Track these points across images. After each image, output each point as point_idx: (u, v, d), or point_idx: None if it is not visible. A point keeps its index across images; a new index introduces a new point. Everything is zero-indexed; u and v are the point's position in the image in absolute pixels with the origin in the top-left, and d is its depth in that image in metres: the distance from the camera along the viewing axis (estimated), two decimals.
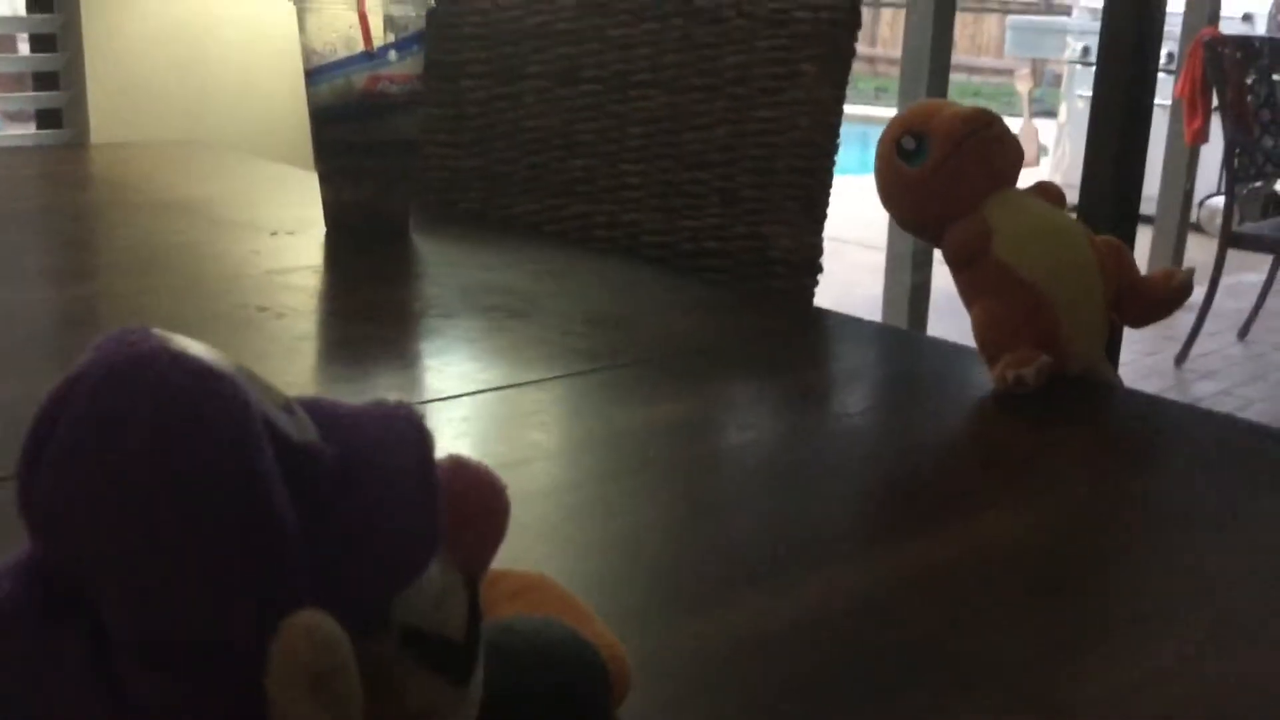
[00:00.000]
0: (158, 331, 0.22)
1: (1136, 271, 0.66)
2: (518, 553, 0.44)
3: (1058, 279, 0.64)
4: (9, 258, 0.89)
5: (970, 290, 0.66)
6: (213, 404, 0.20)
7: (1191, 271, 0.66)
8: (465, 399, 0.60)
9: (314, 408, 0.23)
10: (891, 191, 0.67)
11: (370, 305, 0.79)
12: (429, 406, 0.59)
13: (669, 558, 0.45)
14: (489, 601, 0.35)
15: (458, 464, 0.25)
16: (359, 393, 0.62)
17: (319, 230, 0.97)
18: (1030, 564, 0.45)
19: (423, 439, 0.24)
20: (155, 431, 0.20)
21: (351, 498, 0.22)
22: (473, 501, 0.25)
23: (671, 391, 0.63)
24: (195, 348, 0.21)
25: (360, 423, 0.24)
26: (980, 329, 0.65)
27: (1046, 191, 0.67)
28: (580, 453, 0.55)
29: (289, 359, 0.67)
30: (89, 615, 0.20)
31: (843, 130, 0.99)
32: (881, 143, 0.67)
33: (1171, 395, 0.65)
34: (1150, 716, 0.35)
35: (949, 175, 0.64)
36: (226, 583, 0.20)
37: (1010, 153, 0.66)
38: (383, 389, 0.62)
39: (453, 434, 0.56)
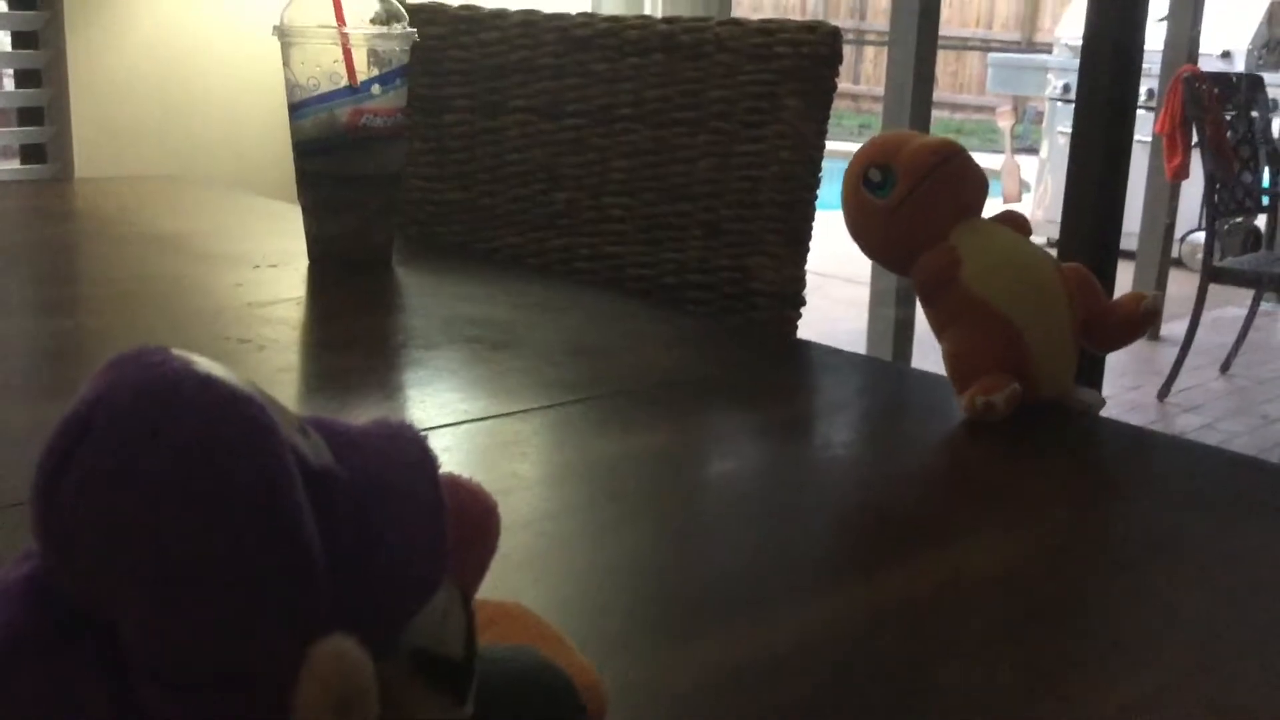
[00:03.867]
0: (178, 352, 0.21)
1: (1104, 297, 0.67)
2: (497, 582, 0.44)
3: (1026, 308, 0.64)
4: None
5: (939, 320, 0.66)
6: (243, 429, 0.20)
7: (1160, 296, 0.66)
8: (447, 429, 0.60)
9: (323, 428, 0.23)
10: (859, 223, 0.67)
11: (352, 336, 0.78)
12: None
13: (649, 587, 0.45)
14: None
15: (454, 482, 0.25)
16: None
17: (302, 263, 0.97)
18: (1011, 593, 0.45)
19: (428, 458, 0.24)
20: (185, 455, 0.19)
21: (366, 521, 0.22)
22: (469, 519, 0.25)
23: (652, 422, 0.63)
24: (218, 370, 0.21)
25: (367, 443, 0.24)
26: (950, 358, 0.65)
27: (1012, 221, 0.68)
28: (561, 483, 0.55)
29: (271, 391, 0.66)
30: (102, 640, 0.20)
31: (826, 166, 1.00)
32: (848, 175, 0.68)
33: (1156, 429, 0.66)
34: None
35: (916, 206, 0.65)
36: (257, 610, 0.20)
37: (976, 182, 0.67)
38: (364, 420, 0.62)
39: None
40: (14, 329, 0.78)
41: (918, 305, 0.68)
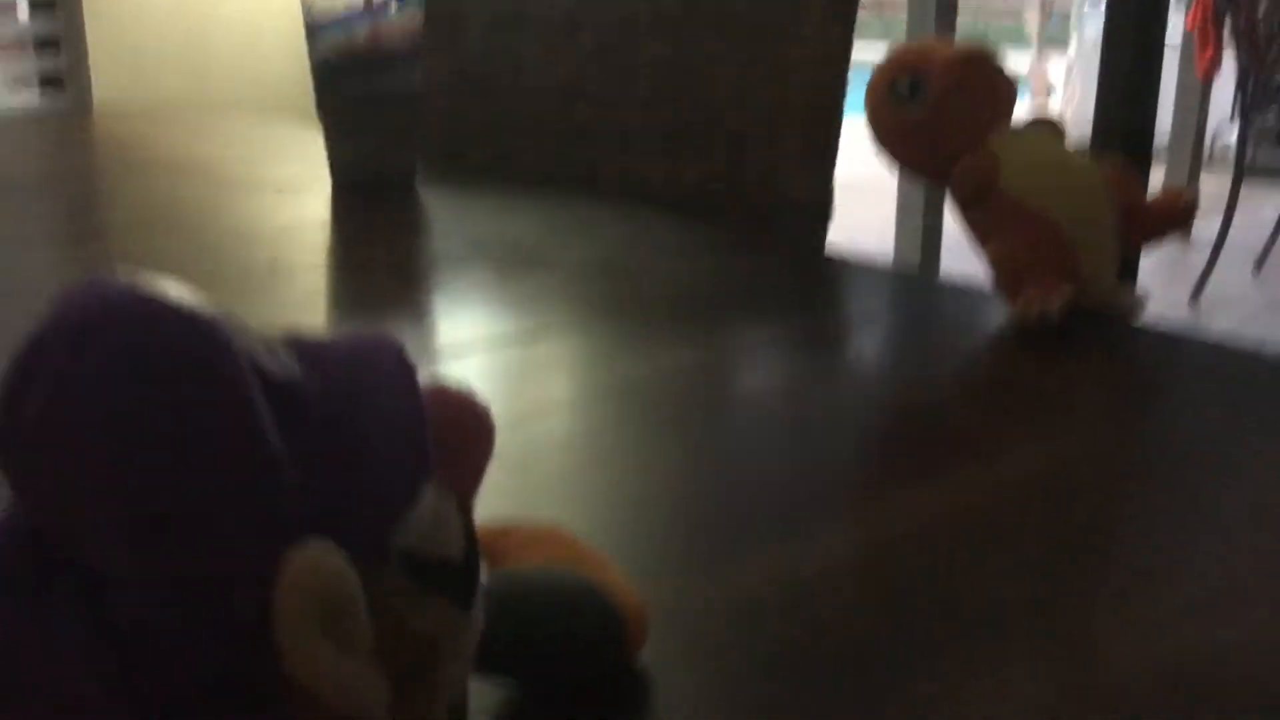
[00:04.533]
0: (126, 274, 0.21)
1: (1143, 193, 0.66)
2: (532, 504, 0.44)
3: (1067, 208, 0.63)
4: (16, 223, 0.88)
5: (981, 227, 0.65)
6: (193, 338, 0.20)
7: (1196, 190, 0.65)
8: (477, 351, 0.60)
9: (295, 344, 0.23)
10: (889, 136, 0.66)
11: (379, 260, 0.78)
12: (441, 359, 0.59)
13: (685, 506, 0.45)
14: (502, 552, 0.35)
15: (440, 390, 0.25)
16: None
17: (325, 186, 0.96)
18: (1052, 504, 0.44)
19: (406, 367, 0.24)
20: (137, 370, 0.20)
21: (340, 431, 0.22)
22: (459, 425, 0.25)
23: (682, 339, 0.63)
24: (169, 288, 0.21)
25: (343, 356, 0.24)
26: (996, 265, 0.64)
27: (1047, 125, 0.67)
28: (592, 403, 0.55)
29: (298, 316, 0.66)
30: (80, 576, 0.20)
31: (851, 73, 0.98)
32: (872, 87, 0.66)
33: (1190, 332, 0.65)
34: (1183, 652, 0.35)
35: (951, 114, 0.64)
36: (220, 507, 0.20)
37: (1008, 87, 0.66)
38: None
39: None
40: (41, 261, 0.78)
41: (946, 214, 0.67)
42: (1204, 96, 4.07)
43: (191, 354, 0.20)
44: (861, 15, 0.99)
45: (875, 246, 2.68)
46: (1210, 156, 4.51)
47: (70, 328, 0.20)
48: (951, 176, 0.65)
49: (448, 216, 0.92)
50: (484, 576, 0.32)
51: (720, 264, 0.79)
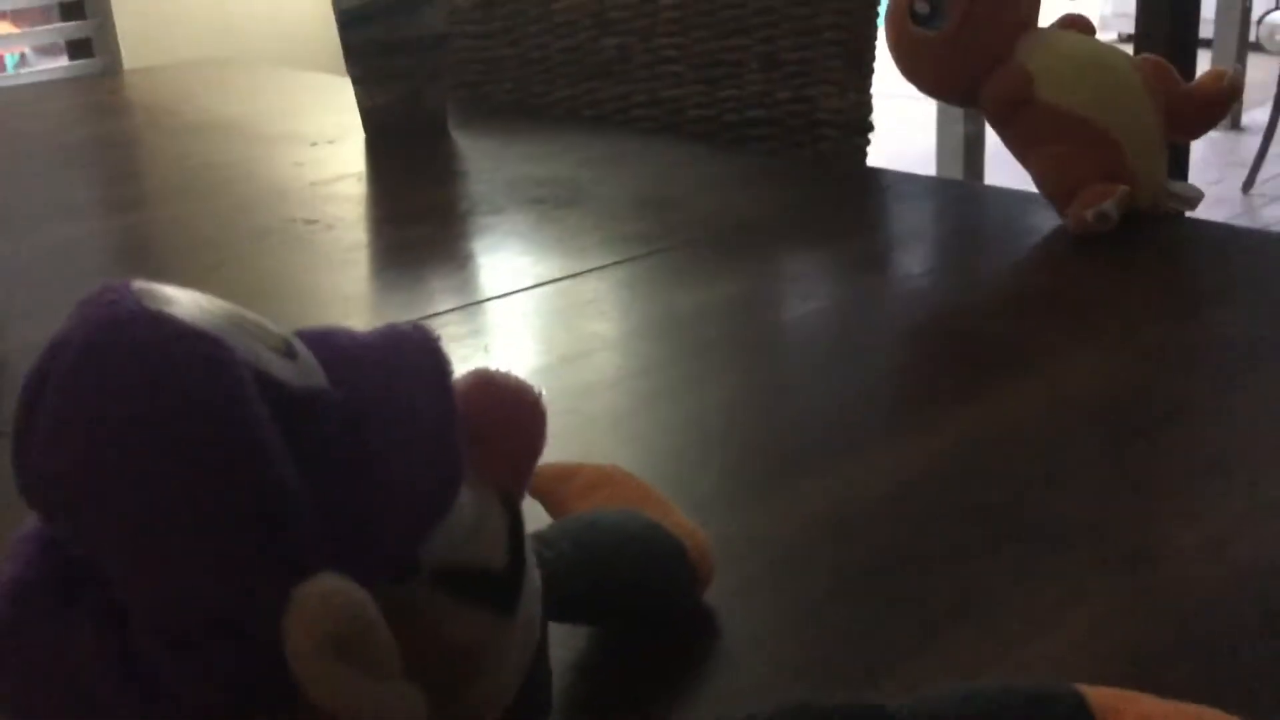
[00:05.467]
0: (138, 286, 0.20)
1: (1182, 83, 0.64)
2: (588, 446, 0.44)
3: (1109, 108, 0.62)
4: (55, 191, 0.89)
5: (1021, 140, 0.64)
6: (194, 366, 0.19)
7: (1240, 70, 0.63)
8: (522, 294, 0.60)
9: (320, 343, 0.22)
10: (914, 62, 0.65)
11: (417, 208, 0.78)
12: (486, 305, 0.59)
13: (741, 438, 0.44)
14: (565, 498, 0.35)
15: (482, 379, 0.24)
16: (415, 299, 0.61)
17: (359, 136, 0.96)
18: (1111, 414, 0.44)
19: (438, 364, 0.22)
20: (136, 400, 0.19)
21: (363, 441, 0.21)
22: (501, 417, 0.23)
23: (728, 269, 0.62)
24: (179, 304, 0.20)
25: (370, 355, 0.22)
26: (1044, 176, 0.63)
27: (1075, 24, 0.65)
28: (642, 339, 0.54)
29: (342, 270, 0.66)
30: (104, 590, 0.19)
31: None
32: (891, 12, 0.65)
33: (1241, 222, 0.63)
34: (1242, 565, 0.34)
35: (974, 30, 0.62)
36: (223, 551, 0.19)
37: None
38: (438, 292, 0.62)
39: (511, 330, 0.56)
40: (84, 229, 0.78)
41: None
42: None
43: (188, 385, 0.19)
44: None
45: (918, 155, 2.64)
46: (1257, 40, 4.38)
47: (74, 352, 0.19)
48: (981, 96, 0.63)
49: (482, 158, 0.91)
50: (551, 525, 0.32)
51: (761, 191, 0.78)
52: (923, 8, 0.63)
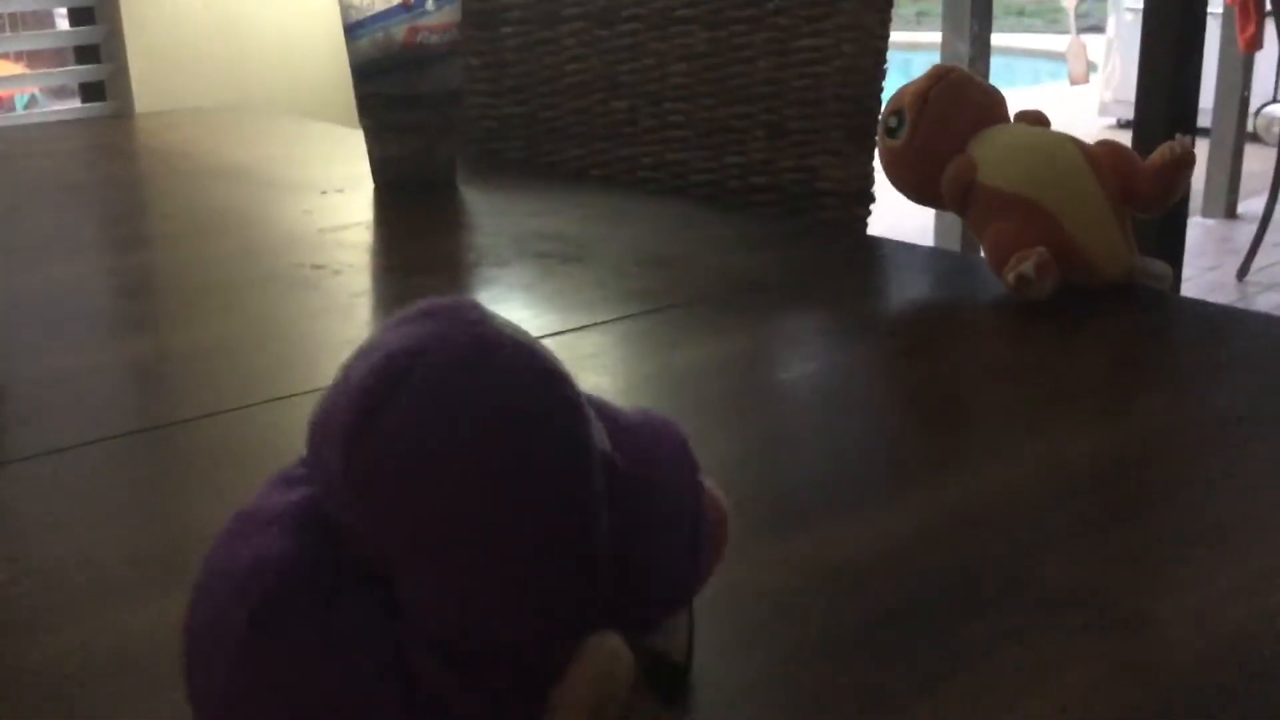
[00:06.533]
0: (489, 311, 0.21)
1: (1139, 162, 0.67)
2: None
3: (1045, 183, 0.65)
4: (63, 231, 0.90)
5: (975, 223, 0.68)
6: (558, 408, 0.19)
7: (1191, 139, 0.65)
8: None
9: (597, 409, 0.22)
10: (889, 169, 0.71)
11: (423, 258, 0.79)
12: None
13: (738, 494, 0.45)
14: None
15: (710, 492, 0.24)
16: None
17: (368, 186, 0.97)
18: (1106, 483, 0.44)
19: (692, 461, 0.23)
20: (497, 424, 0.19)
21: (644, 513, 0.21)
22: (711, 522, 0.24)
23: (728, 328, 0.63)
24: (528, 336, 0.20)
25: (636, 435, 0.22)
26: (988, 251, 0.66)
27: (1028, 117, 0.70)
28: (643, 395, 0.55)
29: (346, 316, 0.67)
30: (383, 595, 0.19)
31: (889, 57, 0.98)
32: (879, 129, 0.72)
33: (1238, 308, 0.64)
34: (1234, 631, 0.35)
35: (925, 133, 0.68)
36: (544, 591, 0.19)
37: (980, 95, 0.70)
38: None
39: None
40: (90, 267, 0.79)
41: None
42: (1246, 70, 4.01)
43: (551, 426, 0.19)
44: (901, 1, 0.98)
45: (916, 228, 2.66)
46: (1254, 130, 4.44)
47: (438, 362, 0.19)
48: (941, 189, 0.68)
49: (489, 212, 0.92)
50: None
51: (762, 254, 0.79)
52: (892, 121, 0.70)
